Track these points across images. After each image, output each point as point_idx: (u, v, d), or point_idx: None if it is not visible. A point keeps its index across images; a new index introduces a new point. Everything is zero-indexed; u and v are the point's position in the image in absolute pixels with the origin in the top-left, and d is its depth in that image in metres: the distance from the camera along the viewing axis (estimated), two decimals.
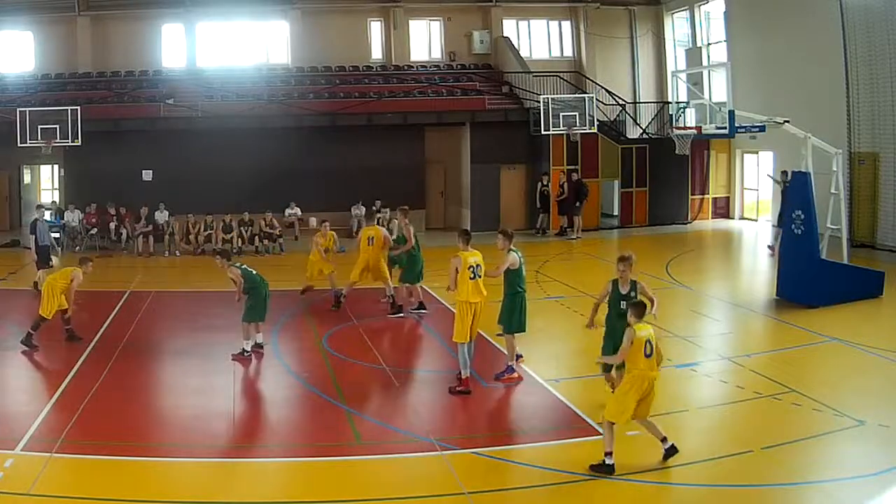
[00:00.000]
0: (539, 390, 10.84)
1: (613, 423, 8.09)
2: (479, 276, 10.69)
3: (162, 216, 23.19)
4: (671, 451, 8.24)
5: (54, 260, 17.70)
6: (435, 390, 11.01)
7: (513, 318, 11.06)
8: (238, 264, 12.62)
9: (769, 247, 21.35)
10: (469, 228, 23.15)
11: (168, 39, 29.02)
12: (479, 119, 26.32)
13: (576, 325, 14.24)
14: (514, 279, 11.06)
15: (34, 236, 17.06)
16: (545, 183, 25.61)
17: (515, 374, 11.16)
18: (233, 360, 12.12)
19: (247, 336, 12.35)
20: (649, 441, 8.96)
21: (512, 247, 11.06)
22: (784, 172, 20.63)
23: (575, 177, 25.28)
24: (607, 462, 8.03)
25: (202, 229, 22.87)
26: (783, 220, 19.45)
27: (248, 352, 12.32)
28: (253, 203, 23.25)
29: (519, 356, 11.43)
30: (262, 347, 12.59)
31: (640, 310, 8.31)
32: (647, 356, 8.07)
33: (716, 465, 8.32)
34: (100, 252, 22.77)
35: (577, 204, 25.09)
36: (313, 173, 25.24)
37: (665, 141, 23.16)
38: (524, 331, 11.20)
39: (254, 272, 12.57)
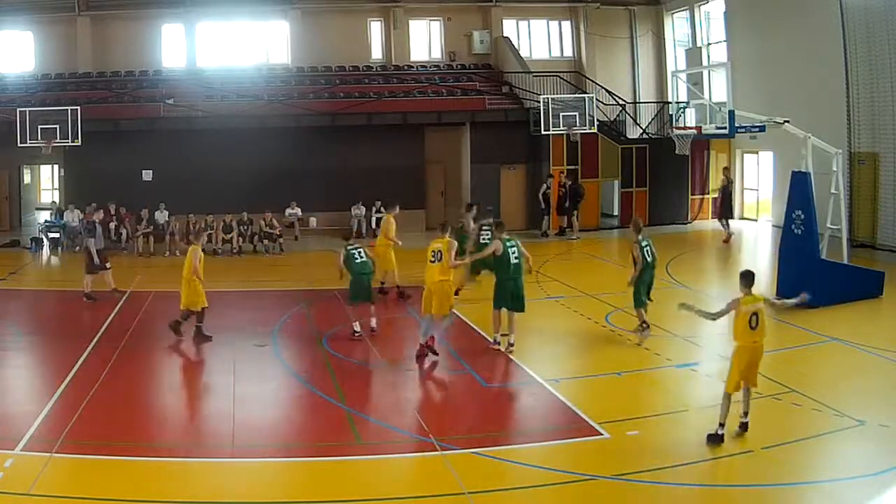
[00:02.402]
0: (539, 390, 10.84)
1: (731, 395, 8.90)
2: (439, 261, 11.94)
3: (162, 216, 23.19)
4: (744, 427, 8.96)
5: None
6: (435, 390, 11.02)
7: (497, 297, 12.40)
8: (347, 246, 13.35)
9: (725, 241, 22.96)
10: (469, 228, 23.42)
11: (168, 39, 29.00)
12: (479, 119, 26.31)
13: (576, 325, 14.27)
14: (498, 265, 12.42)
15: (93, 239, 16.61)
16: (548, 185, 25.57)
17: (496, 346, 12.37)
18: (350, 339, 13.09)
19: (353, 318, 13.25)
20: (649, 441, 8.99)
21: (504, 236, 12.38)
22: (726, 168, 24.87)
23: (570, 180, 25.30)
24: (719, 432, 8.78)
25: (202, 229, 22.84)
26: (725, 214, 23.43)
27: (357, 332, 13.15)
28: (253, 203, 23.25)
29: (496, 342, 12.47)
30: (373, 331, 13.39)
31: (751, 279, 9.01)
32: (752, 328, 8.82)
33: (716, 465, 8.32)
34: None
35: (575, 206, 25.11)
36: (313, 173, 25.23)
37: (665, 141, 23.17)
38: (503, 308, 12.36)
39: (355, 258, 13.21)
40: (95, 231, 16.91)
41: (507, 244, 12.36)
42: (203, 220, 22.90)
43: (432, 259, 11.98)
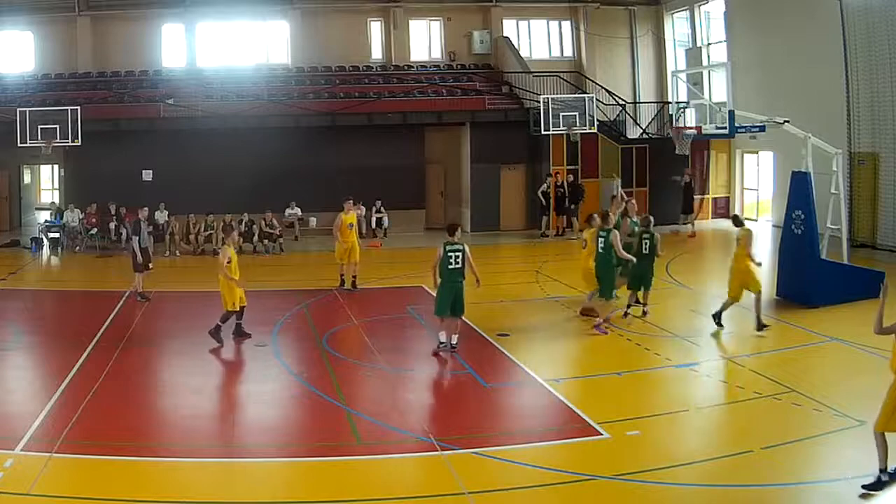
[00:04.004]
0: (540, 390, 10.84)
1: (883, 434, 7.58)
2: (585, 248, 14.64)
3: (162, 216, 23.18)
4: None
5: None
6: (435, 390, 11.02)
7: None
8: (446, 244, 12.08)
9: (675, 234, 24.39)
10: (470, 228, 23.79)
11: (168, 39, 29.05)
12: (478, 119, 26.32)
13: (576, 326, 14.27)
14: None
15: (137, 237, 16.51)
16: (548, 184, 25.55)
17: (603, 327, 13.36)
18: (435, 353, 12.27)
19: (440, 328, 12.32)
20: (649, 441, 8.98)
21: (606, 227, 13.62)
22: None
23: (570, 178, 25.36)
24: (882, 479, 7.47)
25: (202, 229, 22.86)
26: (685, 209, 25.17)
27: (442, 343, 12.29)
28: (253, 203, 23.24)
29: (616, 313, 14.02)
30: (454, 348, 12.23)
31: None
32: None
33: (716, 465, 8.31)
34: (100, 252, 22.78)
35: (573, 206, 25.14)
36: (313, 173, 25.23)
37: (665, 141, 23.17)
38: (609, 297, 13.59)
39: (450, 262, 11.94)
40: (141, 230, 16.71)
41: (599, 234, 13.67)
42: (203, 220, 22.91)
43: (583, 247, 14.61)
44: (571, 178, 25.49)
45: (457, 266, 12.03)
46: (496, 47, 30.06)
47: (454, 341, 12.36)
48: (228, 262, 12.83)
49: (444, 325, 12.35)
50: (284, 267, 20.90)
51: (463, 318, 12.60)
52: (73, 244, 23.24)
